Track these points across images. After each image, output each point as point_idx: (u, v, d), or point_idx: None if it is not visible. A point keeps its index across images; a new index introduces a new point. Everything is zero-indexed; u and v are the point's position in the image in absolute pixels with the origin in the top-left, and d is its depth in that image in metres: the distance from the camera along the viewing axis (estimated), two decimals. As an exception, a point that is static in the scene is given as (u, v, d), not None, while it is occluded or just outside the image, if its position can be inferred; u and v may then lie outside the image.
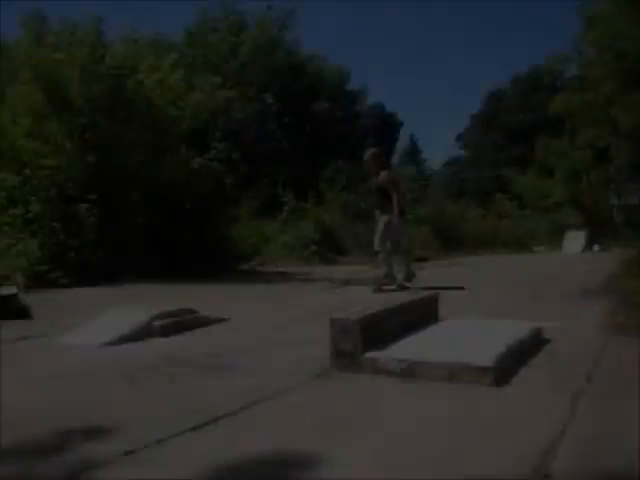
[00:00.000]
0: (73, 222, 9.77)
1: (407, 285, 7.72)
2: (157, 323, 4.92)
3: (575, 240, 19.68)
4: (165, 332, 4.88)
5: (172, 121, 11.05)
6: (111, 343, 4.53)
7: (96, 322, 4.95)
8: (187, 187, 11.37)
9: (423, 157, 51.04)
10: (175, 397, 3.19)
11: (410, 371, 3.38)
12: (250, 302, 7.24)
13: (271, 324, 5.57)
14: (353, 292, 8.04)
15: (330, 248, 16.48)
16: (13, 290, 6.78)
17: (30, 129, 10.32)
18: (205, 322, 5.32)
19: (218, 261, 11.36)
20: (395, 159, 45.51)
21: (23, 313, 6.14)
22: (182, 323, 5.13)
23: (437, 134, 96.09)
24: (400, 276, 7.86)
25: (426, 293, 4.92)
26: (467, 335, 4.11)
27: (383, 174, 7.91)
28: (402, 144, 48.46)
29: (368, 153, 8.22)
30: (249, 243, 14.48)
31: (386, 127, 39.60)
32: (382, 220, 7.85)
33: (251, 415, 2.86)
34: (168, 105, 10.94)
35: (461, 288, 7.62)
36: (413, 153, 50.40)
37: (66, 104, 10.18)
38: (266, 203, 19.94)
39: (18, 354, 4.35)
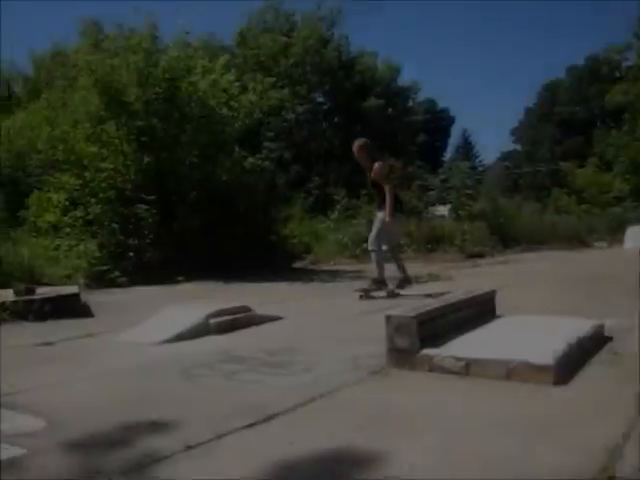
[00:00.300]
0: (131, 223, 10.03)
1: (399, 292, 6.99)
2: (213, 321, 5.00)
3: (638, 235, 18.99)
4: (221, 330, 4.95)
5: (225, 122, 11.18)
6: (169, 340, 4.62)
7: (154, 320, 5.05)
8: (240, 187, 11.50)
9: (476, 152, 50.24)
10: (231, 394, 3.22)
11: (467, 369, 3.33)
12: (304, 300, 7.26)
13: (325, 322, 5.58)
14: (406, 289, 7.97)
15: (383, 246, 16.37)
16: (75, 289, 7.00)
17: (89, 133, 10.62)
18: (260, 320, 5.36)
19: (271, 259, 11.45)
20: (447, 155, 45.05)
21: (84, 311, 6.34)
22: (237, 321, 5.18)
23: (490, 128, 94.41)
24: (393, 281, 7.13)
25: (483, 290, 4.83)
26: (526, 332, 4.02)
27: (376, 166, 7.09)
28: (454, 140, 47.89)
29: (355, 144, 7.32)
30: (302, 242, 14.55)
31: (438, 123, 39.17)
32: (378, 218, 7.09)
33: (307, 412, 2.88)
34: (221, 106, 11.08)
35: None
36: (466, 148, 49.70)
37: (123, 108, 10.44)
38: (318, 201, 20.01)
39: (81, 351, 4.48)
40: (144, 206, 10.00)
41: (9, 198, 11.25)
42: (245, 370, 3.72)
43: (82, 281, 8.36)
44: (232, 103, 11.24)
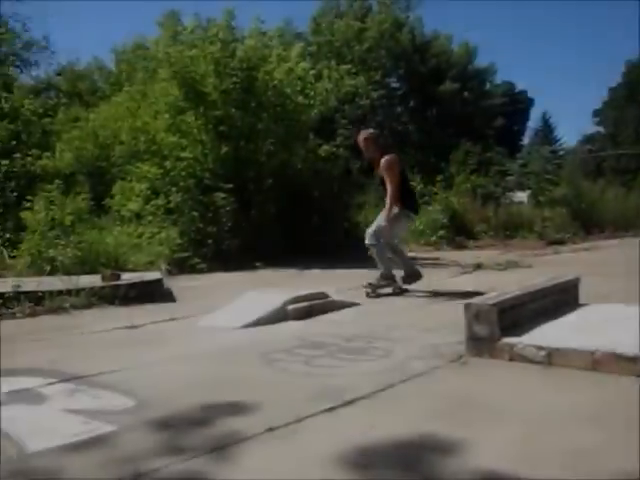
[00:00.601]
0: (210, 211, 10.28)
1: (405, 288, 6.44)
2: (291, 307, 5.07)
3: None
4: (298, 316, 5.02)
5: (301, 110, 11.26)
6: (248, 325, 4.72)
7: (234, 305, 5.18)
8: (315, 174, 11.58)
9: (556, 135, 48.47)
10: (310, 378, 3.27)
11: (550, 358, 3.25)
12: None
13: (402, 308, 5.56)
14: (485, 277, 7.82)
15: (459, 232, 16.13)
16: (158, 275, 7.26)
17: (169, 124, 10.93)
18: (336, 306, 5.40)
19: (346, 246, 11.48)
20: (526, 139, 43.69)
21: (167, 297, 6.57)
22: (314, 307, 5.24)
23: (571, 110, 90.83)
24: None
25: (566, 277, 4.68)
26: (611, 322, 3.88)
27: (383, 162, 6.26)
28: (534, 123, 46.36)
29: (360, 136, 6.59)
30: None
31: (516, 106, 38.03)
32: (384, 213, 6.35)
33: (386, 398, 2.88)
34: (296, 94, 11.16)
35: None
36: (546, 132, 48.04)
37: (201, 98, 10.68)
38: (393, 188, 19.82)
39: (165, 334, 4.65)
40: (222, 194, 10.23)
41: (95, 188, 11.72)
42: (323, 355, 3.76)
43: (164, 267, 8.64)
44: (307, 91, 11.30)
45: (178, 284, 7.38)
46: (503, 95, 37.38)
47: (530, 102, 41.68)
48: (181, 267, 9.15)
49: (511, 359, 3.36)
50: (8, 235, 9.19)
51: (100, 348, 4.20)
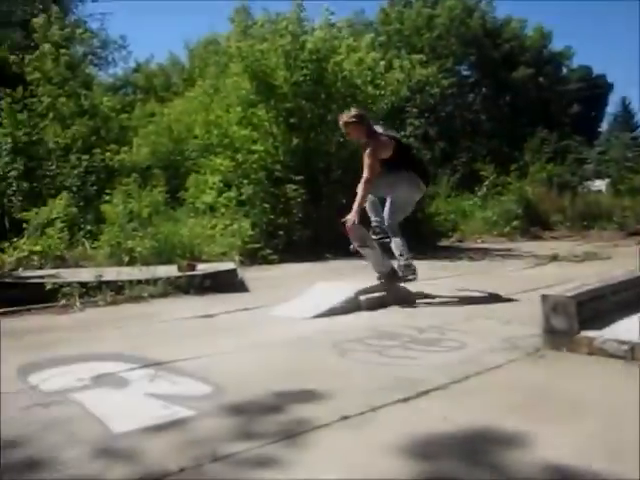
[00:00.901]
0: (281, 202, 10.40)
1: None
2: (363, 297, 5.08)
3: None
4: (371, 306, 5.02)
5: (371, 100, 11.22)
6: (321, 315, 4.76)
7: (306, 296, 5.23)
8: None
9: (637, 121, 46.31)
10: (384, 369, 3.27)
11: (632, 353, 3.13)
12: (453, 278, 7.17)
13: (476, 300, 5.47)
14: (561, 269, 7.60)
15: (534, 223, 15.73)
16: (231, 266, 7.41)
17: (241, 117, 11.10)
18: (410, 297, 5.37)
19: (417, 237, 11.38)
20: (604, 126, 41.99)
21: (240, 287, 6.70)
22: (386, 298, 5.23)
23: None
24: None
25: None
26: (700, 315, 3.69)
27: (369, 150, 5.26)
28: (612, 109, 44.48)
29: (341, 121, 5.66)
30: (447, 219, 14.32)
31: (593, 91, 36.57)
32: (389, 200, 5.62)
33: (462, 390, 2.85)
34: (367, 85, 11.12)
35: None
36: (625, 117, 45.99)
37: (272, 91, 10.79)
38: (464, 178, 19.53)
39: (239, 324, 4.75)
40: (293, 186, 10.33)
41: (170, 181, 12.05)
42: (396, 346, 3.75)
43: (237, 258, 8.80)
44: (378, 81, 11.24)
45: (250, 274, 7.52)
46: (580, 80, 35.99)
47: (609, 87, 39.97)
48: (253, 258, 9.31)
49: (590, 353, 3.26)
50: (89, 227, 9.58)
51: (178, 336, 4.33)
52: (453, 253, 10.82)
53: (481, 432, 2.34)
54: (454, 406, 2.63)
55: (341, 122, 5.63)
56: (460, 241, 13.77)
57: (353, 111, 5.67)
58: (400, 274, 5.49)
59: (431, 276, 6.34)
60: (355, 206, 5.15)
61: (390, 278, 5.45)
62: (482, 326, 4.23)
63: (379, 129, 5.60)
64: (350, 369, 3.31)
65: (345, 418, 2.49)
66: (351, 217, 5.10)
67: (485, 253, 10.91)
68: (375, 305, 5.06)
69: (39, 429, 2.50)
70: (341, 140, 11.07)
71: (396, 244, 5.56)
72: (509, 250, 11.18)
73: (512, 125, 26.94)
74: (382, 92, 11.30)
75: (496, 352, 3.46)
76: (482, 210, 16.24)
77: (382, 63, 11.43)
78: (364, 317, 4.80)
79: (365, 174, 5.17)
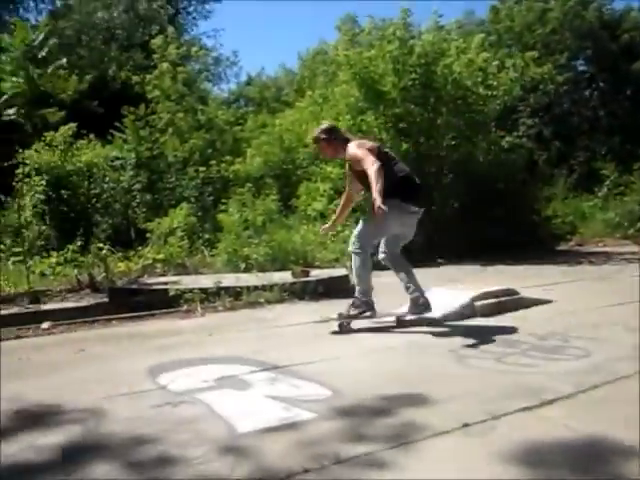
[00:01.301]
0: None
1: (401, 319, 4.83)
2: (479, 304, 4.97)
3: None
4: (487, 312, 4.91)
5: (482, 101, 10.98)
6: (435, 321, 4.70)
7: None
8: (498, 167, 11.22)
9: None
10: (503, 376, 3.19)
11: None
12: (573, 284, 6.85)
13: (598, 307, 5.20)
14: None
15: (662, 225, 14.71)
16: (344, 272, 7.48)
17: (350, 124, 11.18)
18: (527, 303, 5.20)
19: (533, 241, 10.99)
20: None
21: (353, 292, 6.71)
22: (503, 304, 5.09)
23: None
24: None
25: None
26: None
27: (350, 149, 4.60)
28: None
29: (315, 135, 4.95)
30: (565, 222, 13.70)
31: None
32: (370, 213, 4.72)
33: (589, 400, 2.73)
34: (478, 86, 10.89)
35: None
36: None
37: (381, 97, 10.80)
38: (582, 178, 18.61)
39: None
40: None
41: (282, 189, 12.33)
42: (515, 353, 3.65)
43: (348, 264, 8.85)
44: (489, 82, 10.97)
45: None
46: None
47: None
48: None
49: None
50: (207, 236, 9.98)
51: (295, 340, 4.43)
52: (572, 257, 10.34)
53: (608, 445, 2.23)
54: (582, 417, 2.52)
55: (313, 139, 5.05)
56: (580, 245, 13.12)
57: (323, 125, 5.00)
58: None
59: (550, 282, 6.09)
60: (376, 194, 4.18)
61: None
62: (607, 333, 4.02)
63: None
64: (468, 375, 3.25)
65: (466, 426, 2.46)
66: (379, 202, 4.15)
67: (607, 257, 10.34)
68: (491, 311, 4.94)
69: (170, 427, 2.64)
70: (452, 144, 10.92)
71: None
72: (634, 254, 10.53)
73: (634, 120, 25.34)
74: (494, 92, 11.02)
75: (623, 361, 3.29)
76: (603, 212, 15.39)
77: (495, 63, 11.14)
78: (481, 323, 4.69)
79: (367, 165, 4.35)
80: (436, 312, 4.74)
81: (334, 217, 5.34)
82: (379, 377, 3.30)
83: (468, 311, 4.88)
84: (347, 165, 5.03)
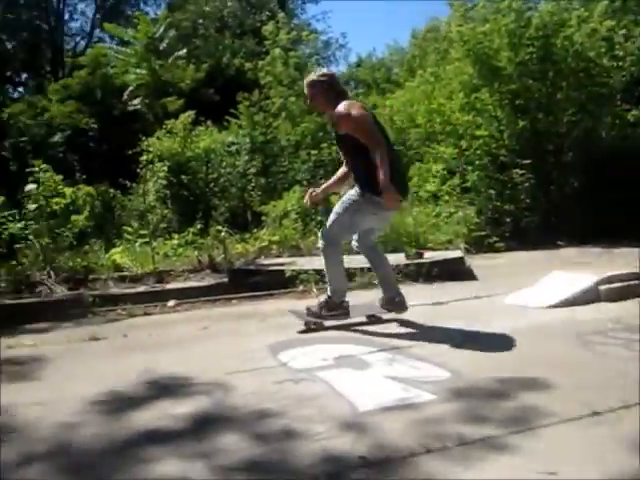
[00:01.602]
0: (508, 188, 10.07)
1: (377, 315, 4.50)
2: (603, 288, 4.74)
3: None
4: (612, 297, 4.67)
5: (607, 73, 10.34)
6: (557, 305, 4.54)
7: (540, 284, 5.02)
8: (624, 142, 10.56)
9: None
10: (633, 363, 3.03)
11: None
12: None
13: None
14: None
15: None
16: (459, 254, 7.36)
17: (463, 103, 10.91)
18: (658, 288, 4.89)
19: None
20: None
21: (468, 275, 6.62)
22: (630, 289, 4.81)
23: None
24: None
25: None
26: None
27: (340, 109, 3.98)
28: None
29: (306, 80, 4.29)
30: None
31: None
32: (349, 195, 4.14)
33: None
34: (602, 57, 10.26)
35: None
36: None
37: (496, 74, 10.44)
38: None
39: (472, 312, 4.68)
40: (520, 171, 9.93)
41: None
42: (646, 340, 3.45)
43: (462, 246, 8.70)
44: (615, 52, 10.32)
45: (477, 262, 7.38)
46: None
47: None
48: (479, 246, 9.12)
49: None
50: (319, 218, 10.11)
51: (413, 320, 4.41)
52: None
53: None
54: None
55: (305, 85, 4.29)
56: None
57: (320, 70, 4.43)
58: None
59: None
60: (387, 182, 3.73)
61: None
62: None
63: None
64: (595, 362, 3.13)
65: (596, 414, 2.37)
66: (393, 194, 3.81)
67: None
68: (616, 296, 4.69)
69: (292, 403, 2.73)
70: (573, 119, 10.39)
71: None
72: None
73: None
74: (619, 63, 10.34)
75: None
76: None
77: (621, 32, 10.44)
78: (605, 308, 4.47)
79: (373, 142, 3.82)
80: (557, 296, 4.58)
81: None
82: (500, 360, 3.25)
83: (592, 295, 4.66)
84: (330, 123, 4.30)
